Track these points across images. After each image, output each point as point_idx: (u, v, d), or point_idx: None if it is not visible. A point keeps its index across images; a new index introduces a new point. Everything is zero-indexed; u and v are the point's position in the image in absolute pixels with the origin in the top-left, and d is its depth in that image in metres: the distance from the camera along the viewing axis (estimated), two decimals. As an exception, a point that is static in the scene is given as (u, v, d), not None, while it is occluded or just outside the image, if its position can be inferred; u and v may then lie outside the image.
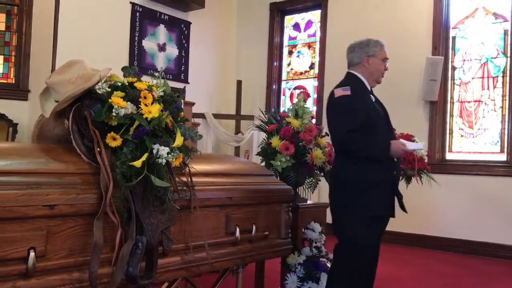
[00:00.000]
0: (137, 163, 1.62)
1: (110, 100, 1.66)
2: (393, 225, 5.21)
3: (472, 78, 5.62)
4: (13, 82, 6.16)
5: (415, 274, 4.23)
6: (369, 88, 2.56)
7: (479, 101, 5.58)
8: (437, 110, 5.67)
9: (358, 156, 2.43)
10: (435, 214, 5.44)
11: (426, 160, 3.25)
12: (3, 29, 6.18)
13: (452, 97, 5.73)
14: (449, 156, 5.70)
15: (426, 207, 5.38)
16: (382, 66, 2.55)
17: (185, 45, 6.82)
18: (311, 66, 7.10)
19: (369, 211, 2.42)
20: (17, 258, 1.40)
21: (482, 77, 5.56)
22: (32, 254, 1.43)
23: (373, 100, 2.54)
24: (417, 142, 3.23)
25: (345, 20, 6.29)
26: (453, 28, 5.76)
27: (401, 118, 5.47)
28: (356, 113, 2.39)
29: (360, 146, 2.40)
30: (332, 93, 2.52)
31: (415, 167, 3.12)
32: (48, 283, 1.47)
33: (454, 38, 5.76)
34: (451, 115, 5.73)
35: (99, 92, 1.70)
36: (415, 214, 5.45)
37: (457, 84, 5.72)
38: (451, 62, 5.73)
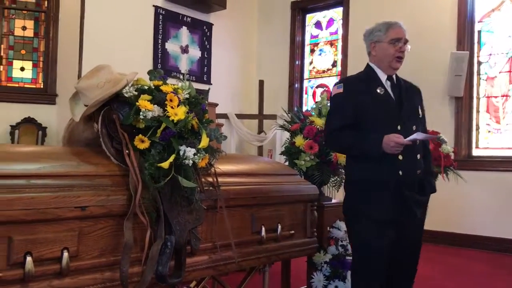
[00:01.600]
0: (165, 165, 1.65)
1: (137, 103, 1.70)
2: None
3: (499, 73, 5.52)
4: (42, 86, 6.32)
5: (445, 272, 4.18)
6: (383, 77, 2.33)
7: (506, 95, 5.47)
8: (463, 106, 5.58)
9: (350, 155, 2.35)
10: (463, 211, 5.36)
11: (452, 157, 3.21)
12: (32, 35, 6.35)
13: (478, 92, 5.63)
14: (476, 152, 5.60)
15: (453, 204, 5.30)
16: (390, 49, 2.28)
17: (207, 46, 6.87)
18: (334, 64, 7.07)
19: (370, 214, 2.24)
20: (51, 258, 1.45)
21: (510, 71, 5.45)
22: (65, 254, 1.47)
23: (382, 92, 2.29)
24: (441, 138, 3.19)
25: (367, 16, 6.23)
26: (478, 22, 5.65)
27: (427, 114, 5.40)
28: (345, 111, 2.26)
29: (346, 144, 2.28)
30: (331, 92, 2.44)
31: (441, 164, 3.09)
32: (81, 282, 1.51)
33: (479, 32, 5.66)
34: (478, 111, 5.63)
35: (127, 95, 1.74)
36: (442, 212, 5.39)
37: (483, 79, 5.62)
38: (477, 56, 5.63)
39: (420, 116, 2.39)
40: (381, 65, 2.33)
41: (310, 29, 7.34)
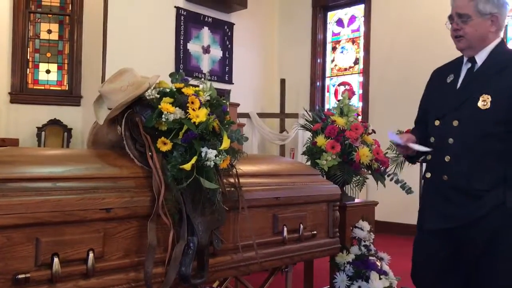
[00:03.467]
0: (187, 166, 1.67)
1: (159, 106, 1.73)
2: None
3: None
4: (67, 88, 6.45)
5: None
6: (464, 60, 2.00)
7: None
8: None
9: None
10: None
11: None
12: (56, 38, 6.48)
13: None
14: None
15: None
16: (449, 30, 2.01)
17: (229, 46, 6.90)
18: (356, 62, 7.01)
19: (418, 220, 2.10)
20: (77, 259, 1.48)
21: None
22: (91, 255, 1.50)
23: (452, 79, 1.99)
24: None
25: (390, 13, 6.17)
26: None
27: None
28: (420, 103, 2.18)
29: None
30: None
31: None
32: (106, 283, 1.54)
33: (506, 26, 5.53)
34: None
35: (149, 98, 1.77)
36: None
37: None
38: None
39: (484, 108, 1.85)
40: None
41: (331, 27, 7.30)
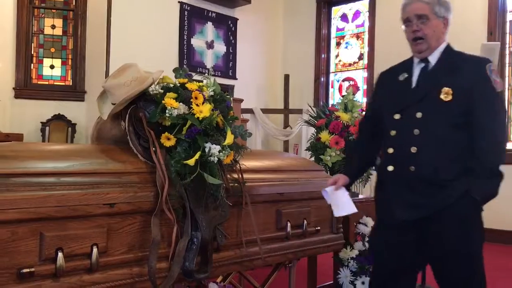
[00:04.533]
0: (191, 162, 1.67)
1: (163, 101, 1.72)
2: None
3: (532, 63, 5.35)
4: (71, 84, 6.46)
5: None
6: (415, 61, 2.04)
7: (540, 87, 5.30)
8: (494, 98, 5.44)
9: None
10: (500, 206, 5.22)
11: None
12: (60, 33, 6.49)
13: (510, 84, 5.48)
14: (509, 145, 5.46)
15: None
16: (406, 33, 2.03)
17: (233, 41, 6.89)
18: (360, 57, 6.99)
19: (376, 213, 2.10)
20: (81, 254, 1.49)
21: (543, 62, 5.28)
22: (95, 250, 1.50)
23: (405, 77, 2.03)
24: None
25: (394, 8, 6.09)
26: (510, 12, 5.49)
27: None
28: (369, 104, 2.26)
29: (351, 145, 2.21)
30: None
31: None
32: (110, 277, 1.55)
33: (511, 22, 5.49)
34: (510, 103, 5.48)
35: (153, 94, 1.77)
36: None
37: (515, 70, 5.47)
38: (508, 47, 5.48)
39: (446, 100, 1.89)
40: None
41: (336, 22, 7.27)
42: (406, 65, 2.07)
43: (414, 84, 1.99)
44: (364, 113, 2.27)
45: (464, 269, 1.92)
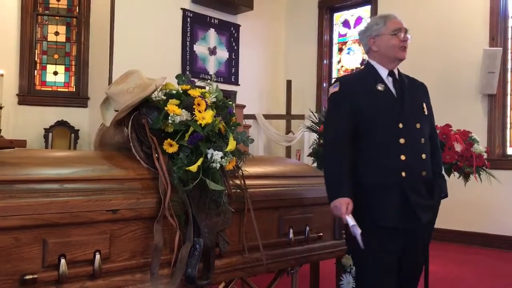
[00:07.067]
0: (193, 168, 1.68)
1: (166, 108, 1.73)
2: (453, 223, 5.03)
3: (534, 69, 5.35)
4: (74, 90, 6.48)
5: (477, 274, 4.08)
6: (384, 73, 2.19)
7: (542, 92, 5.30)
8: (496, 104, 5.44)
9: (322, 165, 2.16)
10: (496, 211, 5.22)
11: (485, 157, 3.13)
12: (64, 40, 6.52)
13: (512, 89, 5.48)
14: (510, 151, 5.45)
15: (487, 205, 5.17)
16: (393, 40, 2.16)
17: (235, 47, 6.91)
18: (362, 63, 6.99)
19: (374, 220, 2.08)
20: (84, 260, 1.49)
21: (545, 67, 5.28)
22: (97, 256, 1.51)
23: (382, 89, 2.15)
24: (473, 137, 3.12)
25: (396, 14, 6.14)
26: (511, 17, 5.50)
27: (458, 113, 5.30)
28: (341, 113, 2.12)
29: (329, 164, 2.12)
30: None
31: (473, 164, 3.02)
32: (113, 284, 1.55)
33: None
34: (512, 108, 5.48)
35: (155, 100, 1.78)
36: (475, 212, 5.27)
37: (517, 76, 5.47)
38: (510, 53, 5.48)
39: (426, 113, 2.22)
40: (383, 59, 2.20)
41: (338, 28, 7.29)
42: (374, 75, 2.20)
43: (395, 95, 2.16)
44: (338, 114, 2.15)
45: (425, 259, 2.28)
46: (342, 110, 2.13)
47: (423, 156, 2.14)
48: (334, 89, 2.19)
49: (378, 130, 2.10)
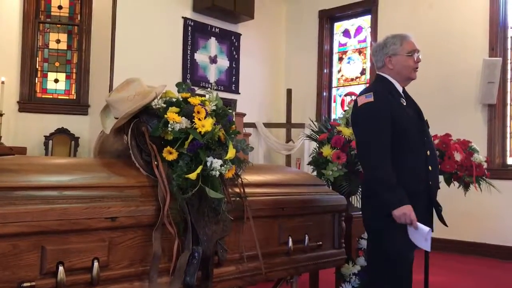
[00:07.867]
0: (192, 176, 1.68)
1: (166, 115, 1.74)
2: (452, 233, 5.00)
3: (534, 79, 5.36)
4: (75, 98, 6.49)
5: (476, 284, 4.06)
6: (400, 89, 2.30)
7: (542, 102, 5.30)
8: (496, 113, 5.44)
9: (370, 177, 2.20)
10: (496, 221, 5.20)
11: (485, 166, 3.13)
12: (65, 48, 6.54)
13: (512, 99, 5.49)
14: (510, 161, 5.45)
15: (486, 215, 5.16)
16: (409, 61, 2.27)
17: (236, 56, 6.93)
18: (362, 72, 7.02)
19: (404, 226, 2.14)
20: (82, 268, 1.48)
21: (545, 78, 5.29)
22: (96, 264, 1.50)
23: (404, 104, 2.26)
24: (473, 147, 3.12)
25: (397, 24, 6.17)
26: (511, 28, 5.52)
27: (458, 122, 5.31)
28: (382, 123, 2.15)
29: (382, 173, 2.11)
30: (355, 102, 2.27)
31: (473, 173, 3.01)
32: (111, 292, 1.55)
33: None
34: (512, 118, 5.49)
35: (155, 108, 1.78)
36: (475, 222, 5.25)
37: (517, 86, 5.47)
38: (510, 63, 5.49)
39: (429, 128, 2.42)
40: (397, 77, 2.29)
41: (338, 38, 7.31)
42: (396, 91, 2.30)
43: (409, 112, 2.28)
44: (379, 125, 2.16)
45: None
46: (383, 120, 2.16)
47: (437, 167, 2.34)
48: (367, 99, 2.20)
49: (410, 141, 2.20)
